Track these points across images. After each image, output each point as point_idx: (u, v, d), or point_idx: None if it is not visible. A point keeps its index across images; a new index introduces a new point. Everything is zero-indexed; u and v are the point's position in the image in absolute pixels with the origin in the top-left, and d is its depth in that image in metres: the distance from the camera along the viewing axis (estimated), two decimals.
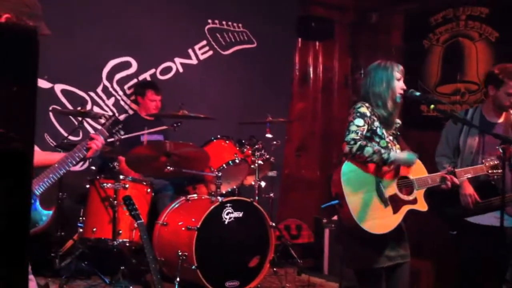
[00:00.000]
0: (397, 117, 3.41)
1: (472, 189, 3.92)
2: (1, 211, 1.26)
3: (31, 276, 2.59)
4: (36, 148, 2.85)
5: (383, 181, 3.21)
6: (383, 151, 3.14)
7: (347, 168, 3.18)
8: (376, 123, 3.25)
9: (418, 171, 3.33)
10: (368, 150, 3.10)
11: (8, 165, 1.27)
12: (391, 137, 3.33)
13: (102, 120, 3.15)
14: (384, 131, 3.27)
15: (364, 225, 3.10)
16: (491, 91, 4.03)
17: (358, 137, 3.12)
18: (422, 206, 3.30)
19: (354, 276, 3.45)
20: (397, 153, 3.23)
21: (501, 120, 4.10)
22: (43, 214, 2.73)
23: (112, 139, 3.17)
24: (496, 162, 3.61)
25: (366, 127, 3.20)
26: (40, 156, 2.88)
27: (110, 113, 5.44)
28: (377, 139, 3.24)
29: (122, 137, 4.61)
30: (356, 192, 3.15)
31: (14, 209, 1.29)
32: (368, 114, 3.22)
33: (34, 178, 2.63)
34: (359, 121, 3.18)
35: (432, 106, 3.37)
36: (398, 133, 3.43)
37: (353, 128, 3.16)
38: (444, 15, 5.93)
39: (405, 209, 3.22)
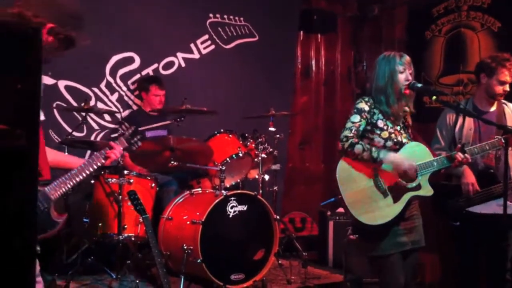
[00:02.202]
0: (411, 105, 3.40)
1: (474, 178, 3.94)
2: (6, 207, 1.28)
3: (38, 279, 2.59)
4: (52, 150, 2.85)
5: (382, 172, 3.23)
6: (373, 149, 3.19)
7: (343, 164, 3.29)
8: (377, 116, 3.28)
9: (424, 156, 3.34)
10: (359, 148, 3.18)
11: (14, 161, 1.29)
12: (397, 127, 3.34)
13: (122, 130, 3.13)
14: (387, 122, 3.29)
15: (361, 218, 3.20)
16: (483, 79, 4.08)
17: (351, 135, 3.21)
18: (426, 191, 3.31)
19: (371, 264, 3.51)
20: (390, 154, 3.22)
21: (493, 109, 4.13)
22: (55, 221, 2.68)
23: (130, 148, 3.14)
24: None
25: (362, 122, 3.25)
26: (59, 157, 2.87)
27: (125, 113, 5.45)
28: (378, 131, 3.27)
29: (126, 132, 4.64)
30: (352, 187, 3.24)
31: (20, 205, 1.31)
32: (367, 108, 3.27)
33: (51, 183, 2.62)
34: (354, 118, 3.27)
35: (434, 97, 3.37)
36: (405, 122, 3.42)
37: (348, 125, 3.26)
38: (446, 6, 5.91)
39: (407, 196, 3.25)
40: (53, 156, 2.77)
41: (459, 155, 3.33)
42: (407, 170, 3.22)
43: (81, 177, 2.75)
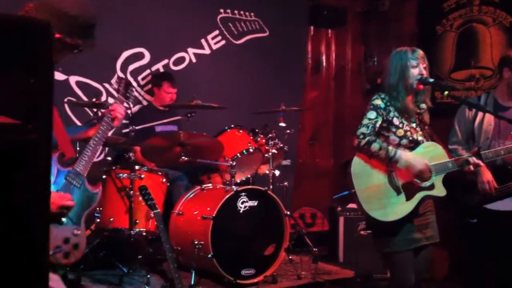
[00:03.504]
0: (427, 99, 3.37)
1: (491, 176, 3.88)
2: (19, 202, 1.28)
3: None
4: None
5: (397, 168, 3.21)
6: (390, 148, 3.16)
7: (358, 159, 3.26)
8: (393, 113, 3.24)
9: (439, 157, 3.31)
10: (375, 146, 3.15)
11: (27, 156, 1.29)
12: (413, 125, 3.31)
13: (115, 86, 3.31)
14: (402, 120, 3.26)
15: (373, 213, 3.18)
16: (506, 73, 4.01)
17: (368, 132, 3.18)
18: (439, 191, 3.28)
19: (383, 260, 3.49)
20: (406, 154, 3.20)
21: None
22: (93, 193, 2.99)
23: (129, 103, 3.36)
24: None
25: (379, 119, 3.22)
26: (77, 131, 3.13)
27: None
28: (393, 129, 3.24)
29: (137, 127, 4.66)
30: (366, 181, 3.22)
31: (32, 200, 1.31)
32: (383, 105, 3.23)
33: (77, 160, 2.86)
34: (371, 114, 3.23)
35: (446, 92, 3.34)
36: (421, 119, 3.38)
37: (364, 121, 3.22)
38: (457, 1, 5.88)
39: (420, 195, 3.23)
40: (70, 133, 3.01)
41: (473, 160, 3.29)
42: (421, 172, 3.20)
43: (100, 145, 2.96)
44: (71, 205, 2.67)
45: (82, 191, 2.87)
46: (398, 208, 3.20)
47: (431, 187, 3.26)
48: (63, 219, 2.77)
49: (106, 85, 5.48)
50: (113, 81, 3.41)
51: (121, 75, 5.55)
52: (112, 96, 5.50)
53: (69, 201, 2.66)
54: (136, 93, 5.68)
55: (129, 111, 5.57)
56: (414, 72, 3.22)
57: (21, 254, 1.29)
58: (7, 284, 1.27)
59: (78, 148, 3.92)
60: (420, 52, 3.26)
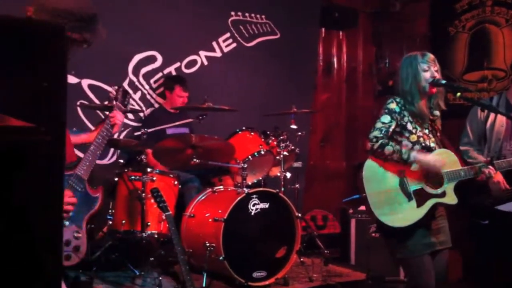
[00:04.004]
0: (441, 102, 3.34)
1: (502, 177, 3.87)
2: (32, 205, 1.29)
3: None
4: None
5: (409, 174, 3.20)
6: (403, 151, 3.14)
7: (370, 163, 3.25)
8: (407, 118, 3.23)
9: (451, 164, 3.28)
10: (388, 149, 3.13)
11: (40, 158, 1.30)
12: (426, 131, 3.29)
13: (113, 94, 3.38)
14: (416, 125, 3.25)
15: (384, 218, 3.17)
16: None
17: (381, 135, 3.16)
18: (451, 199, 3.25)
19: (397, 265, 3.46)
20: (420, 154, 3.17)
21: None
22: (94, 197, 3.11)
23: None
24: None
25: (393, 123, 3.20)
26: (75, 138, 3.18)
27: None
28: (407, 134, 3.22)
29: (149, 130, 4.67)
30: (378, 187, 3.21)
31: (45, 203, 1.32)
32: (398, 109, 3.21)
33: (78, 164, 2.96)
34: (385, 118, 3.21)
35: (458, 93, 3.33)
36: (434, 126, 3.35)
37: (378, 125, 3.20)
38: (469, 2, 5.85)
39: (430, 202, 3.20)
40: (73, 139, 3.10)
41: (487, 169, 3.26)
42: (436, 167, 3.16)
43: (100, 151, 3.07)
44: (73, 202, 2.70)
45: (84, 195, 2.96)
46: (408, 214, 3.18)
47: (443, 194, 3.24)
48: (66, 222, 2.82)
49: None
50: (111, 94, 3.50)
51: (133, 78, 5.58)
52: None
53: (71, 198, 2.69)
54: (148, 96, 5.72)
55: (141, 114, 5.61)
56: (426, 75, 3.20)
57: (23, 254, 1.29)
58: (8, 284, 1.28)
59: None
60: (430, 56, 3.24)
